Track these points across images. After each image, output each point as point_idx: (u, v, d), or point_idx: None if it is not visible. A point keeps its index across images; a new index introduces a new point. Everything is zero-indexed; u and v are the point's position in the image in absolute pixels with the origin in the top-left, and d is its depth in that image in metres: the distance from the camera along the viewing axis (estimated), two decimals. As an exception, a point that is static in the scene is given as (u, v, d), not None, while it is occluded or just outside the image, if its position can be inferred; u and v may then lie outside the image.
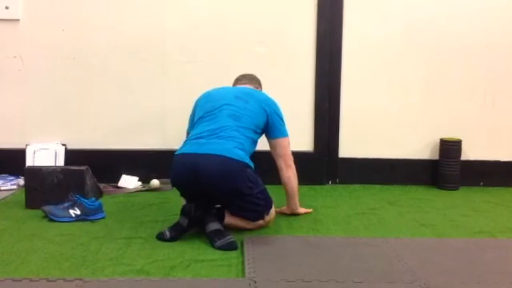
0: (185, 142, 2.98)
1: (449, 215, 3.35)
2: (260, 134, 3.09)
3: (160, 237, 2.79)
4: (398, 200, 3.68)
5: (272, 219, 3.05)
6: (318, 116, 4.00)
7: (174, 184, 2.98)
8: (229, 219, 2.88)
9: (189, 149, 2.88)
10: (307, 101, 4.00)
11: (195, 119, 3.09)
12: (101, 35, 3.90)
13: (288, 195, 3.21)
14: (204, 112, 3.04)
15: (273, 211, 3.04)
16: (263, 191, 2.94)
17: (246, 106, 3.01)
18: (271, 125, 3.08)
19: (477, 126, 4.05)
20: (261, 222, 2.98)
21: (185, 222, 2.78)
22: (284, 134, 3.13)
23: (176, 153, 2.94)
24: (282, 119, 3.14)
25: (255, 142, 3.03)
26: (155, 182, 3.80)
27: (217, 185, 2.78)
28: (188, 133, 3.16)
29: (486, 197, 3.80)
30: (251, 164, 2.90)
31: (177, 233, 2.78)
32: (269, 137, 3.14)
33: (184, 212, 2.81)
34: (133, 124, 3.96)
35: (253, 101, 3.05)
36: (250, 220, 2.94)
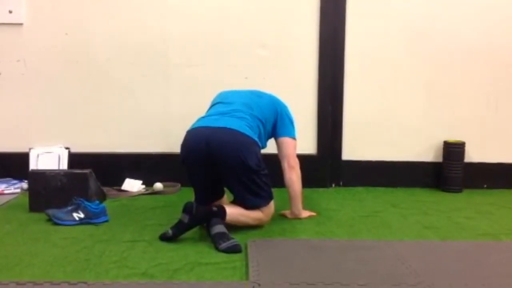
0: (197, 119, 3.07)
1: (453, 218, 3.34)
2: (268, 131, 3.15)
3: (163, 236, 2.81)
4: (401, 202, 3.67)
5: (271, 213, 3.07)
6: (321, 119, 4.01)
7: (183, 158, 3.00)
8: (230, 215, 2.87)
9: (201, 124, 3.01)
10: (310, 104, 4.00)
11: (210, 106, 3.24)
12: (104, 39, 3.91)
13: (290, 197, 3.22)
14: (218, 101, 3.21)
15: (272, 204, 3.06)
16: (267, 177, 3.00)
17: (260, 101, 3.17)
18: (280, 124, 3.17)
19: (481, 129, 4.05)
20: (260, 214, 3.00)
21: (186, 218, 2.79)
22: (291, 134, 3.20)
23: (188, 130, 3.04)
24: (291, 122, 3.23)
25: (262, 134, 3.09)
26: (158, 186, 3.80)
27: (227, 155, 2.86)
28: None
29: (490, 199, 3.79)
30: (260, 144, 3.00)
31: (179, 231, 2.80)
32: (276, 136, 3.20)
33: (185, 209, 2.81)
34: (136, 127, 3.97)
35: (266, 98, 3.22)
36: (251, 207, 2.96)
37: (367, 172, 4.04)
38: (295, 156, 3.19)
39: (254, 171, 2.91)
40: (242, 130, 2.92)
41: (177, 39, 3.93)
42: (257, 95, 3.22)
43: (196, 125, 3.03)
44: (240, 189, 2.95)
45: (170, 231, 2.80)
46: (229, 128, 2.91)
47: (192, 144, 2.96)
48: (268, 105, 3.17)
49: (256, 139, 2.97)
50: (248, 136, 2.93)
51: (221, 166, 2.90)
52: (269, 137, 3.22)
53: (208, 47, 3.94)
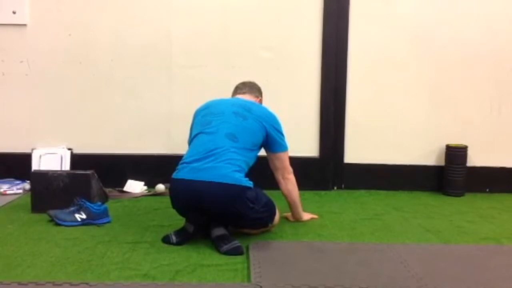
0: (182, 164, 2.90)
1: (455, 221, 3.34)
2: (258, 150, 3.05)
3: (166, 240, 2.81)
4: (403, 206, 3.67)
5: (277, 223, 3.06)
6: (323, 121, 4.01)
7: (174, 208, 2.96)
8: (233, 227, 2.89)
9: (186, 175, 2.82)
10: (313, 106, 4.00)
11: (193, 134, 3.05)
12: (108, 40, 3.92)
13: (290, 205, 3.22)
14: (202, 128, 2.98)
15: (277, 217, 3.03)
16: (265, 204, 2.91)
17: (244, 124, 2.95)
18: (271, 141, 3.05)
19: (483, 132, 4.05)
20: (265, 228, 2.99)
21: (191, 228, 2.80)
22: (284, 148, 3.10)
23: (173, 176, 2.90)
24: (281, 133, 3.09)
25: (253, 158, 2.98)
26: (160, 187, 3.81)
27: (218, 212, 2.77)
28: (189, 144, 3.09)
29: (492, 203, 3.79)
30: (250, 184, 2.83)
31: (183, 239, 2.79)
32: (268, 151, 3.11)
33: (190, 219, 2.83)
34: (139, 128, 3.98)
35: (251, 117, 2.98)
36: (253, 229, 2.96)
37: (369, 175, 4.04)
38: (288, 166, 3.13)
39: (249, 214, 2.82)
40: (231, 181, 2.75)
41: (180, 40, 3.94)
42: (242, 116, 2.97)
43: (180, 176, 2.85)
44: (240, 227, 2.92)
45: (174, 238, 2.79)
46: (215, 183, 2.74)
47: (179, 200, 2.88)
48: (254, 127, 2.97)
49: (245, 183, 2.81)
50: (236, 186, 2.76)
51: (213, 217, 2.81)
52: (260, 150, 3.08)
53: (212, 48, 3.94)
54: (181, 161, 2.93)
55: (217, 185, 2.74)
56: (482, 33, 3.98)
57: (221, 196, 2.75)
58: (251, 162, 2.97)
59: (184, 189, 2.83)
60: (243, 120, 2.96)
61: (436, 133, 4.04)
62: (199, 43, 3.94)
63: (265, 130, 3.00)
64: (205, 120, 3.02)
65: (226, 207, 2.76)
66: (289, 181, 3.13)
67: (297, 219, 3.25)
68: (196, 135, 2.99)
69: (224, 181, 2.75)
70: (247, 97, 3.21)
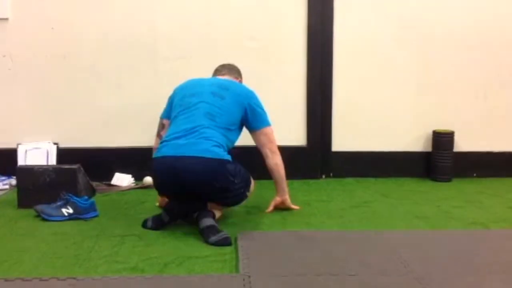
0: (162, 143, 2.95)
1: (443, 207, 3.36)
2: (239, 129, 3.08)
3: (144, 224, 2.90)
4: (391, 192, 3.68)
5: (252, 192, 3.06)
6: (310, 110, 4.00)
7: (156, 187, 2.99)
8: (211, 205, 2.90)
9: (167, 152, 2.87)
10: (299, 95, 3.99)
11: (172, 115, 3.08)
12: (91, 33, 3.88)
13: (276, 181, 3.19)
14: (181, 109, 3.02)
15: (252, 186, 3.05)
16: (243, 175, 2.94)
17: (222, 104, 2.98)
18: (252, 117, 3.06)
19: (470, 118, 4.06)
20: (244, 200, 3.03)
21: (166, 218, 2.88)
22: (267, 123, 3.11)
23: (154, 155, 2.94)
24: (262, 109, 3.11)
25: (232, 139, 3.01)
26: (148, 179, 3.78)
27: (199, 185, 2.80)
28: (161, 119, 3.21)
29: (479, 188, 3.81)
30: (229, 157, 2.89)
31: (158, 225, 2.87)
32: (251, 129, 3.10)
33: (166, 210, 2.89)
34: (125, 121, 3.95)
35: (229, 96, 3.02)
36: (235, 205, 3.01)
37: (357, 163, 4.05)
38: (275, 142, 3.13)
39: (229, 186, 2.86)
40: (210, 155, 2.80)
41: (165, 32, 3.90)
42: (220, 96, 3.00)
43: (162, 153, 2.90)
44: (221, 202, 2.95)
45: (150, 223, 2.89)
46: (196, 157, 2.79)
47: (161, 176, 2.91)
48: (233, 105, 3.00)
49: (225, 156, 2.86)
50: (216, 159, 2.81)
51: (195, 193, 2.84)
52: (241, 130, 3.12)
53: (197, 39, 3.92)
54: (161, 140, 2.98)
55: (197, 159, 2.79)
56: (468, 21, 3.98)
57: (201, 171, 2.79)
58: (231, 142, 3.00)
59: (164, 165, 2.87)
60: (220, 99, 3.00)
61: (423, 120, 4.05)
62: (184, 35, 3.91)
63: (244, 107, 3.03)
64: (184, 101, 3.05)
65: (207, 182, 2.79)
66: (276, 155, 3.12)
67: (282, 197, 3.22)
68: (175, 116, 3.03)
69: (205, 156, 2.79)
70: (226, 78, 3.24)
